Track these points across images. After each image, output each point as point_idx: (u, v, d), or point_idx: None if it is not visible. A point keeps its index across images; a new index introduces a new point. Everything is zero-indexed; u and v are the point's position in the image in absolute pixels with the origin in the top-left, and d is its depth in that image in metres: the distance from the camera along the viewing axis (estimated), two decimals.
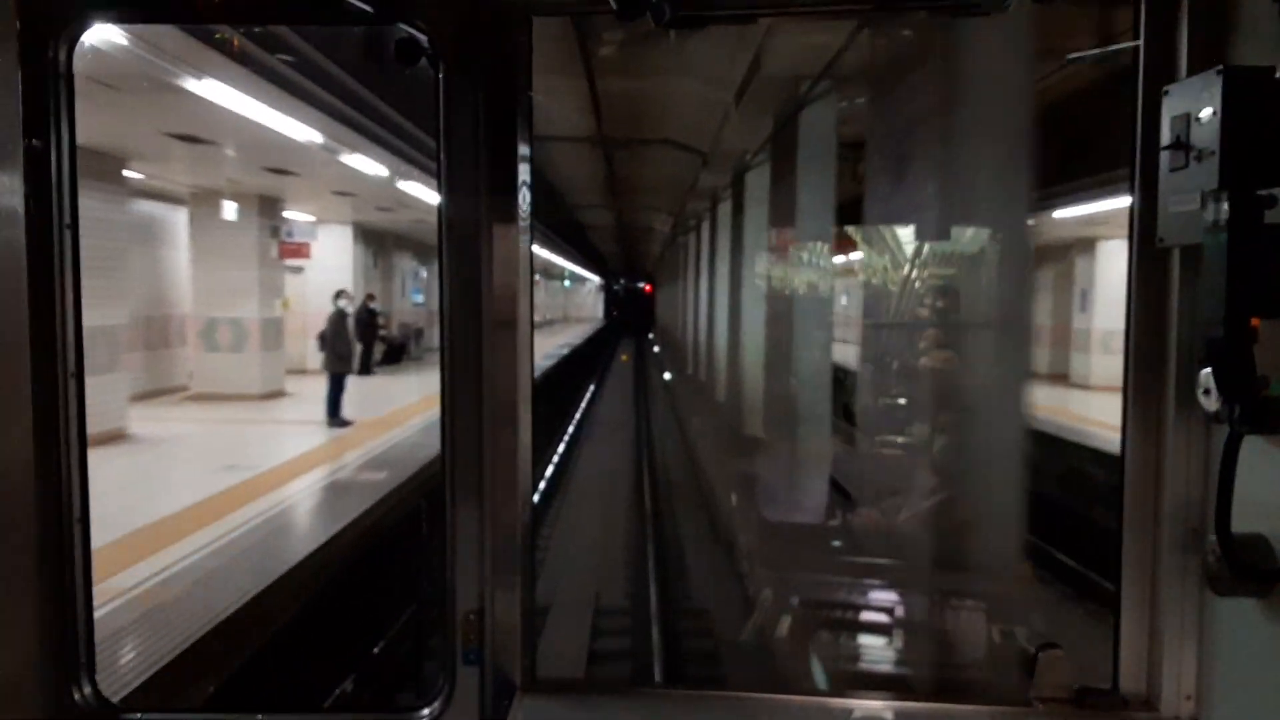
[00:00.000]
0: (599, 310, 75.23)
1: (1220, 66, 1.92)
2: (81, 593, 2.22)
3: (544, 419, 12.48)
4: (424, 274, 29.74)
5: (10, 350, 1.69)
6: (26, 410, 1.68)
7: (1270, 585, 1.97)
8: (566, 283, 59.61)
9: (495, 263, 2.24)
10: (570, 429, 21.53)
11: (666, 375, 32.19)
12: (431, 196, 2.35)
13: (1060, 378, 21.85)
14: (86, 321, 2.00)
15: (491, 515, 2.28)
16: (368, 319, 21.26)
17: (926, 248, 5.74)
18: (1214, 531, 2.00)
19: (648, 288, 65.43)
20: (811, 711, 2.44)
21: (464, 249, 2.23)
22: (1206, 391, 1.96)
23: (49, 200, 2.10)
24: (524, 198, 2.25)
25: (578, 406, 25.63)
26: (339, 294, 17.01)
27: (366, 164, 13.40)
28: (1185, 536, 2.17)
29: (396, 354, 24.87)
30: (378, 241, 25.87)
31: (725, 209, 16.31)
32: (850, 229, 9.43)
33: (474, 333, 2.25)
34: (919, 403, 5.71)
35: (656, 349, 46.84)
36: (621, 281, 71.95)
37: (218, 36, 7.58)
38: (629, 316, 66.91)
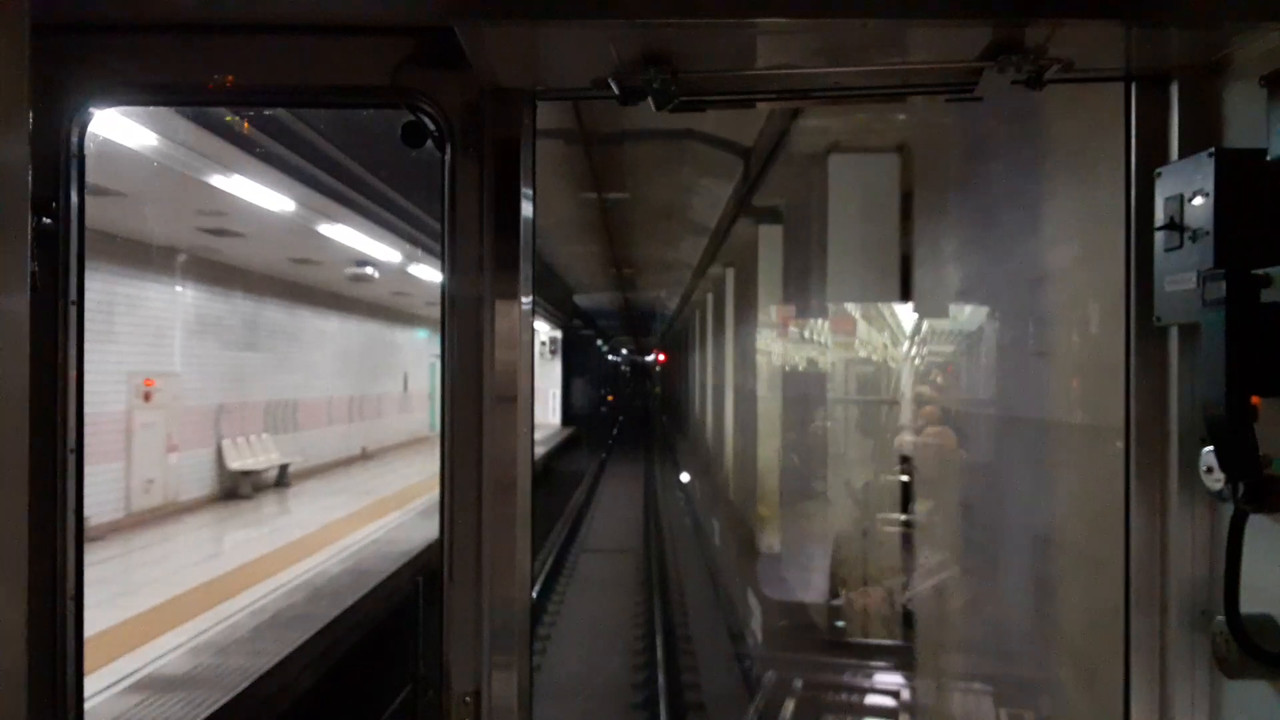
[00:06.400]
0: (547, 405, 36.07)
1: (1212, 149, 1.96)
2: (73, 680, 2.15)
3: None
4: None
5: (10, 425, 1.68)
6: (24, 487, 1.66)
7: None
8: (421, 332, 26.90)
9: (497, 338, 2.24)
10: None
11: None
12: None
13: None
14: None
15: (490, 594, 2.24)
16: None
17: None
18: (1222, 612, 1.98)
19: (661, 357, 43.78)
20: None
21: (466, 325, 2.24)
22: (1209, 470, 1.96)
23: (55, 277, 2.12)
24: (526, 274, 2.26)
25: None
26: None
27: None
28: (1193, 617, 2.14)
29: None
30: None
31: None
32: None
33: (474, 408, 2.24)
34: None
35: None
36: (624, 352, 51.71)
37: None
38: (626, 407, 44.46)
